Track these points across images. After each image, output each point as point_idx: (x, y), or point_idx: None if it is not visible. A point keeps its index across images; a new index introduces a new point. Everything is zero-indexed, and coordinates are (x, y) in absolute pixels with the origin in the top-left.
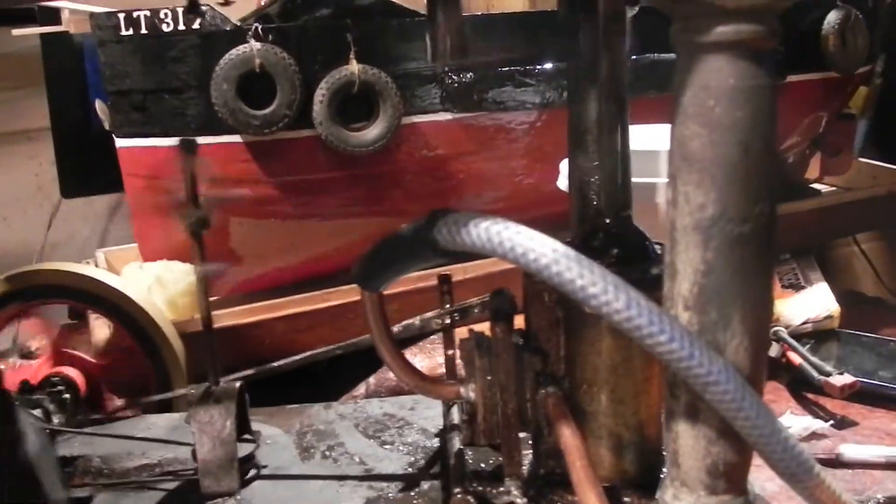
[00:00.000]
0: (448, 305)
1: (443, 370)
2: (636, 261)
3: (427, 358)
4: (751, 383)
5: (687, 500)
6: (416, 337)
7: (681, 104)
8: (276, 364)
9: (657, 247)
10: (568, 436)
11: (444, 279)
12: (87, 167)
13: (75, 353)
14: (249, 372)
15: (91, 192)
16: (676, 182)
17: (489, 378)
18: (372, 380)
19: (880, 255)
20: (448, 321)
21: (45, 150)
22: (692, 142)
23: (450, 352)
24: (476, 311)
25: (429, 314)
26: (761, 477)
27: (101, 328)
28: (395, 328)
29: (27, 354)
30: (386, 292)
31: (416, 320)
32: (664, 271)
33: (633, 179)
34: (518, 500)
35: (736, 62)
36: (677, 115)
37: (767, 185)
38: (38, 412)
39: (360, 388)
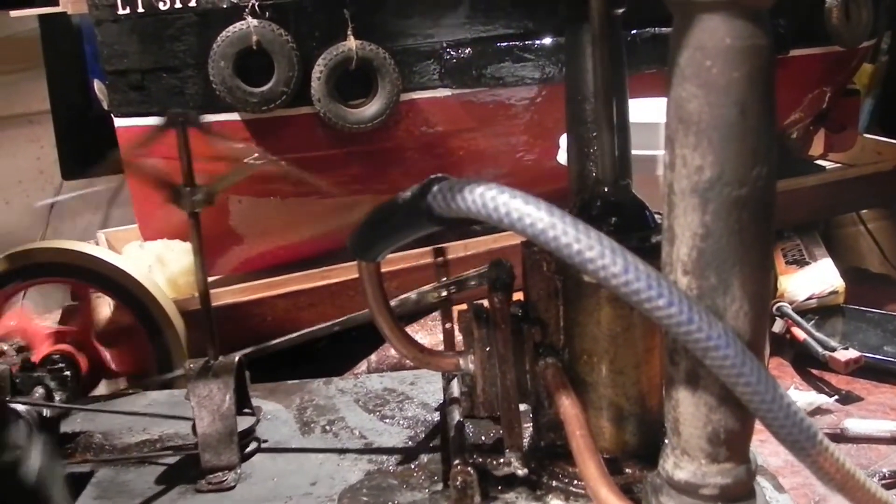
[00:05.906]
0: (444, 278)
1: None
2: (635, 229)
3: (429, 334)
4: (751, 349)
5: (688, 468)
6: (414, 312)
7: (677, 65)
8: (274, 342)
9: (657, 216)
10: (567, 406)
11: (439, 252)
12: (87, 148)
13: (76, 330)
14: (248, 350)
15: (92, 173)
16: (674, 144)
17: (488, 349)
18: (373, 357)
19: (886, 233)
20: (445, 294)
21: (47, 134)
22: (689, 103)
23: (448, 325)
24: (473, 283)
25: (425, 287)
26: (765, 451)
27: (102, 307)
28: (392, 303)
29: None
30: (384, 269)
31: (413, 294)
32: (663, 236)
33: (634, 152)
34: (519, 472)
35: (732, 21)
36: (674, 76)
37: (765, 147)
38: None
39: (362, 366)
